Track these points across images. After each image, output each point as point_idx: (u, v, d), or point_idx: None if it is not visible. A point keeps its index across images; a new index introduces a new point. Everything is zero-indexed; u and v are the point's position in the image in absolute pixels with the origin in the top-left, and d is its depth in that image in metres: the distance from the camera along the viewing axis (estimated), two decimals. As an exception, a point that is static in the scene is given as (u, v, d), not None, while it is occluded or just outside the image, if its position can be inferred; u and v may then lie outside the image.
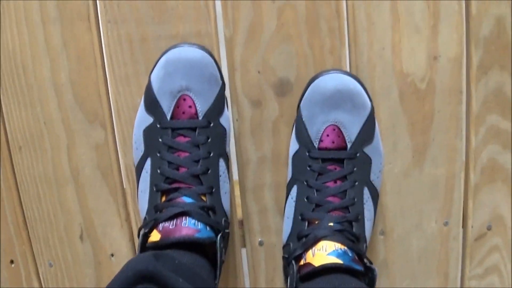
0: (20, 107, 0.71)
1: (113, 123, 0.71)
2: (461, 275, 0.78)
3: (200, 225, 0.58)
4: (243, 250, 0.76)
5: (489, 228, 0.76)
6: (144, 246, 0.59)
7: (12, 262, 0.76)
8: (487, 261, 0.77)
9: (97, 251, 0.75)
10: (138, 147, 0.65)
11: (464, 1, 0.69)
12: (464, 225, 0.76)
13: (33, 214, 0.74)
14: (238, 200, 0.74)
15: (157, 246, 0.57)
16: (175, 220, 0.58)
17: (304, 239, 0.61)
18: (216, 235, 0.59)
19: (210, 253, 0.61)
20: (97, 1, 0.68)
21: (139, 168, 0.65)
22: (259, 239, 0.74)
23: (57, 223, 0.74)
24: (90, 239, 0.74)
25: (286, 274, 0.64)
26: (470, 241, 0.76)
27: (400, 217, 0.74)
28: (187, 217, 0.58)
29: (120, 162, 0.73)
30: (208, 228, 0.59)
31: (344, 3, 0.68)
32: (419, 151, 0.72)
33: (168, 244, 0.57)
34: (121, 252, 0.75)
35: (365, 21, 0.69)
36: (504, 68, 0.71)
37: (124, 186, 0.74)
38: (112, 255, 0.75)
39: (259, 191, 0.73)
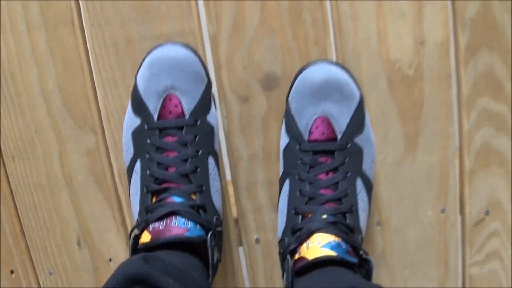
0: (10, 116, 0.71)
1: (103, 127, 0.71)
2: (462, 263, 0.77)
3: (190, 224, 0.58)
4: (240, 249, 0.75)
5: (487, 213, 0.75)
6: (136, 247, 0.59)
7: (12, 272, 0.76)
8: (487, 247, 0.77)
9: (95, 257, 0.75)
10: (128, 150, 0.65)
11: (448, -16, 0.69)
12: (462, 212, 0.76)
13: (30, 223, 0.74)
14: (232, 199, 0.74)
15: (147, 247, 0.57)
16: (165, 220, 0.58)
17: (298, 233, 0.61)
18: (207, 234, 0.59)
19: (203, 252, 0.61)
20: (80, 4, 0.68)
21: (130, 171, 0.65)
22: (256, 237, 0.74)
23: (54, 230, 0.74)
24: (87, 245, 0.74)
25: (283, 270, 0.64)
26: (469, 227, 0.76)
27: (396, 207, 0.74)
28: (177, 217, 0.58)
29: (113, 167, 0.73)
30: (198, 226, 0.58)
31: (326, -8, 0.68)
32: (411, 139, 0.72)
33: (159, 245, 0.57)
34: (118, 257, 0.75)
35: (348, 9, 0.69)
36: (493, 49, 0.71)
37: (118, 191, 0.73)
38: (110, 260, 0.75)
39: (252, 188, 0.73)
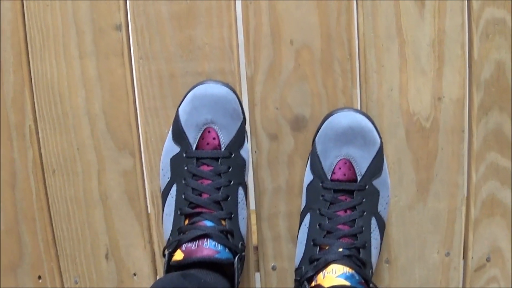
0: (55, 133, 0.74)
1: (141, 152, 0.75)
2: (462, 304, 0.79)
3: (219, 247, 0.62)
4: (257, 274, 0.78)
5: (488, 260, 0.78)
6: (169, 264, 0.63)
7: (39, 277, 0.78)
8: (486, 292, 0.79)
9: (120, 270, 0.78)
10: (165, 174, 0.69)
11: (467, 46, 0.72)
12: (465, 256, 0.78)
13: (62, 233, 0.77)
14: (254, 227, 0.77)
15: (180, 264, 0.62)
16: (197, 241, 0.62)
17: (315, 263, 0.65)
18: (234, 257, 0.63)
19: (228, 273, 0.65)
20: (131, 38, 0.72)
21: (165, 193, 0.69)
22: (272, 264, 0.77)
23: (84, 242, 0.77)
24: (114, 259, 0.77)
25: (297, 296, 0.68)
26: (470, 271, 0.78)
27: (404, 247, 0.77)
28: (208, 239, 0.62)
29: (146, 188, 0.76)
30: (227, 250, 0.63)
31: (356, 46, 0.72)
32: (423, 185, 0.75)
33: (190, 263, 0.61)
34: (143, 272, 0.78)
35: (375, 63, 0.72)
36: (503, 109, 0.74)
37: (149, 211, 0.77)
38: (135, 274, 0.78)
39: (273, 219, 0.76)
